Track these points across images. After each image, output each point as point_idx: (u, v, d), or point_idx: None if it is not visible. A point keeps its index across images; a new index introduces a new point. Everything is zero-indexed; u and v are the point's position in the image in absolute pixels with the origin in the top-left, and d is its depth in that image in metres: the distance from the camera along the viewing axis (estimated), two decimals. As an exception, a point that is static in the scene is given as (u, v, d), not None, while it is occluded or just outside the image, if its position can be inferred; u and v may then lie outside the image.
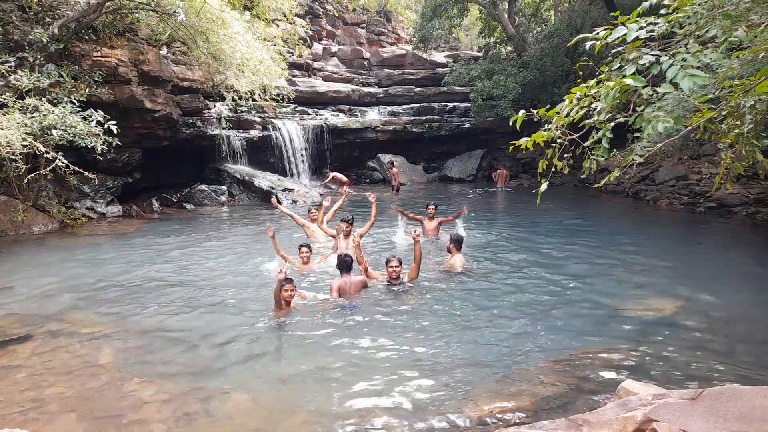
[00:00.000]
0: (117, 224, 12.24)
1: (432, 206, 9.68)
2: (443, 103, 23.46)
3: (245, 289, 6.98)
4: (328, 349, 5.01)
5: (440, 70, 24.49)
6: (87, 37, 11.86)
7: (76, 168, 9.64)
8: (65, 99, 9.99)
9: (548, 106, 4.01)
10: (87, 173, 9.88)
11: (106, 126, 9.81)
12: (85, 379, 4.53)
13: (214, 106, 16.85)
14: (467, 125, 22.39)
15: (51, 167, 9.55)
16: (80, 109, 9.88)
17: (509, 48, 23.30)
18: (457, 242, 7.61)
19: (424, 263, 7.30)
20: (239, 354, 4.98)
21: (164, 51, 14.92)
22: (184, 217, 13.32)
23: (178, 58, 15.35)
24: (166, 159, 15.78)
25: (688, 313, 5.91)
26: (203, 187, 15.38)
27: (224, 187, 15.72)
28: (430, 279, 7.14)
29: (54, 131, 9.20)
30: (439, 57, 25.98)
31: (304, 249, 7.68)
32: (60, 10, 11.10)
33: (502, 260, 8.30)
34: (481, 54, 25.68)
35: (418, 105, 23.30)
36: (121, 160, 13.59)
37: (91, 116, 9.85)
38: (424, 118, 22.57)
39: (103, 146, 9.82)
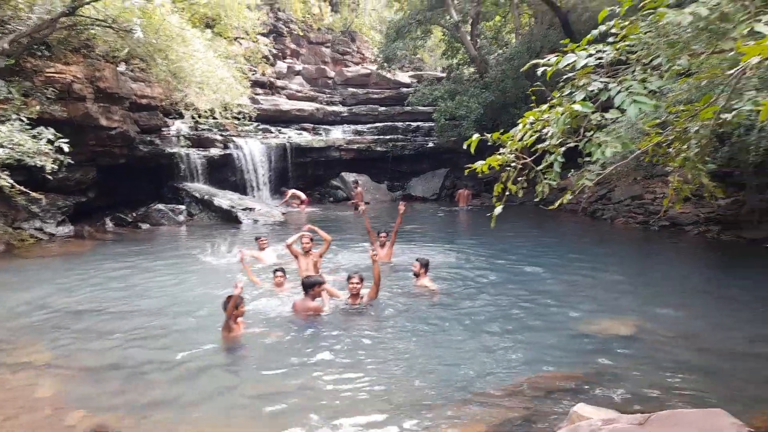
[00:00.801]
0: (67, 245, 11.77)
1: (383, 234, 9.39)
2: (407, 123, 23.67)
3: (198, 314, 6.76)
4: (281, 376, 4.87)
5: (404, 89, 24.75)
6: (40, 53, 11.49)
7: (21, 188, 9.23)
8: (13, 116, 9.60)
9: (502, 131, 4.04)
10: (33, 193, 9.47)
11: (57, 144, 9.46)
12: (22, 413, 4.26)
13: (174, 123, 16.54)
14: (431, 144, 22.62)
15: (-4, 187, 9.12)
16: (30, 127, 9.51)
17: (472, 69, 23.73)
18: (425, 265, 7.64)
19: (389, 285, 7.25)
20: (189, 383, 4.79)
21: (122, 67, 14.60)
22: (140, 238, 12.92)
23: (137, 75, 15.03)
24: (122, 177, 15.34)
25: (643, 333, 6.00)
26: (161, 206, 14.97)
27: (183, 207, 15.35)
28: (396, 301, 7.08)
29: (0, 150, 8.81)
30: (404, 77, 26.28)
31: (279, 273, 7.53)
32: (11, 24, 10.72)
33: (462, 281, 8.29)
34: (444, 75, 26.08)
35: (383, 124, 23.44)
36: (74, 178, 13.13)
37: (41, 134, 9.48)
38: (388, 137, 22.69)
39: (53, 165, 9.45)
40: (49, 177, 10.40)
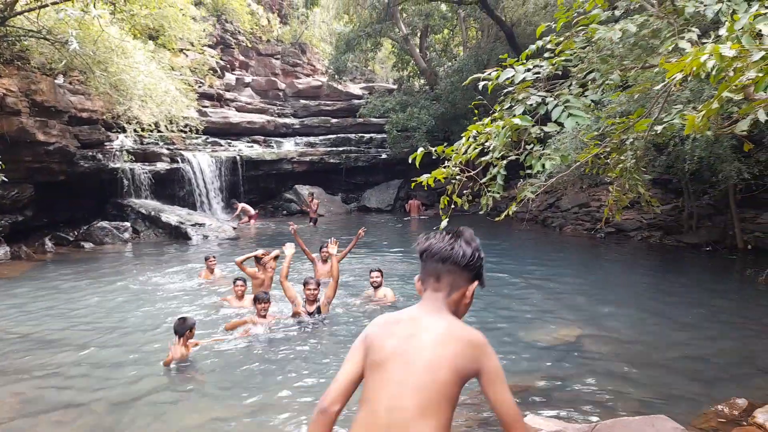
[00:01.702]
0: (2, 268, 11.10)
1: (326, 249, 8.48)
2: (360, 134, 23.70)
3: (144, 336, 6.48)
4: (231, 397, 4.70)
5: (356, 101, 24.78)
6: (-32, 65, 10.90)
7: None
8: (-62, 132, 9.04)
9: (446, 144, 4.05)
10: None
11: (-12, 161, 8.96)
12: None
13: (117, 137, 15.96)
14: (384, 156, 22.72)
15: None
16: (-44, 143, 8.98)
17: (422, 81, 24.04)
18: (381, 274, 7.64)
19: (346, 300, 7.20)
20: (130, 411, 4.53)
21: (60, 80, 14.01)
22: (82, 258, 12.34)
23: (76, 88, 14.44)
24: (62, 194, 14.66)
25: (590, 340, 6.12)
26: (104, 223, 14.34)
27: (128, 224, 14.77)
28: (353, 312, 7.01)
29: None
30: (355, 89, 26.33)
31: (239, 283, 7.38)
32: (-66, 35, 10.15)
33: (411, 291, 8.28)
34: (395, 86, 26.30)
35: (335, 136, 23.39)
36: (9, 196, 12.45)
37: (-31, 151, 8.97)
38: (341, 149, 22.66)
39: (-18, 183, 8.94)
40: (-21, 196, 9.86)
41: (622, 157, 4.42)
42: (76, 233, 14.19)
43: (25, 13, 10.23)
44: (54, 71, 13.01)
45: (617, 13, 3.64)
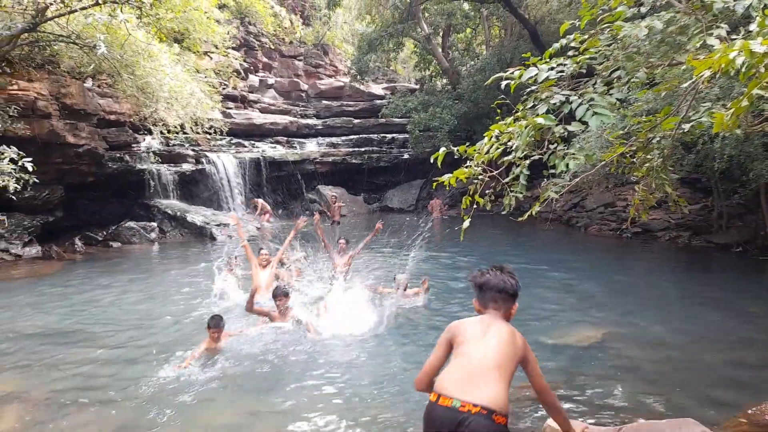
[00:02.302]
0: (34, 267, 11.42)
1: (343, 240, 8.95)
2: (382, 135, 23.72)
3: (169, 334, 6.59)
4: (264, 393, 4.75)
5: (378, 101, 24.82)
6: (1, 70, 11.22)
7: (-18, 210, 8.95)
8: (-27, 135, 9.33)
9: (468, 143, 4.03)
10: (-6, 214, 9.18)
11: (21, 163, 9.18)
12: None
13: (144, 139, 16.27)
14: (406, 156, 22.69)
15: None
16: (-9, 146, 9.23)
17: (444, 80, 23.94)
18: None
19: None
20: (159, 407, 4.61)
21: (89, 83, 14.34)
22: (110, 257, 12.62)
23: (105, 91, 14.78)
24: (91, 195, 15.01)
25: (616, 341, 6.02)
26: (131, 224, 14.66)
27: (154, 224, 15.06)
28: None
29: (-41, 170, 8.53)
30: (377, 89, 26.37)
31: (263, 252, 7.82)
32: (-30, 41, 10.46)
33: (437, 290, 8.26)
34: (417, 86, 26.25)
35: (357, 136, 23.45)
36: (40, 197, 12.80)
37: (3, 153, 9.20)
38: (363, 149, 22.71)
39: (16, 185, 9.16)
40: (13, 197, 10.13)
41: (649, 156, 4.33)
42: (104, 233, 14.51)
43: (56, 19, 10.47)
44: (83, 75, 13.34)
45: (643, 10, 3.58)
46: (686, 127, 3.25)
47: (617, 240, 13.24)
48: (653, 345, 5.95)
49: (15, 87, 11.34)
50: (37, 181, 9.78)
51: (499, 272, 2.75)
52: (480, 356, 2.50)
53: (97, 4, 9.89)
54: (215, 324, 5.68)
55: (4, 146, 9.38)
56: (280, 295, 6.28)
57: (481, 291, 2.75)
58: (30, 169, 9.21)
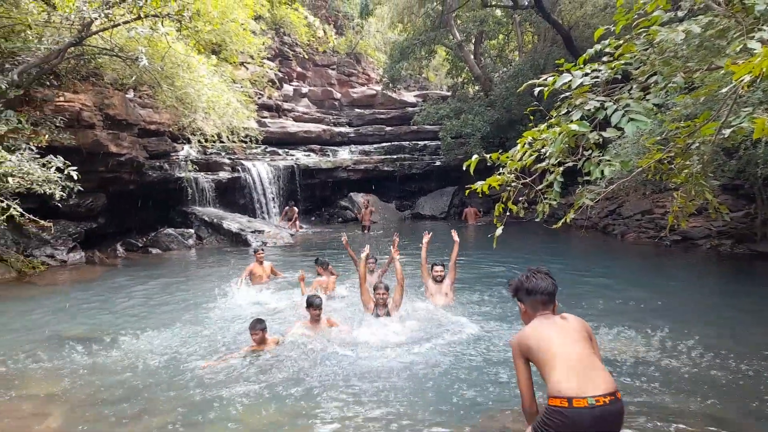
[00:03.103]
0: (78, 272, 11.84)
1: (372, 260, 8.69)
2: (414, 142, 23.78)
3: (211, 337, 6.74)
4: (305, 397, 4.81)
5: (410, 109, 24.90)
6: (49, 83, 11.72)
7: (31, 216, 9.34)
8: (24, 146, 9.75)
9: (501, 151, 4.02)
10: (42, 221, 9.56)
11: (66, 172, 9.57)
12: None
13: (182, 148, 16.73)
14: (438, 163, 22.67)
15: (6, 216, 9.23)
16: (39, 156, 9.65)
17: (477, 87, 23.85)
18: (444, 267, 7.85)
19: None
20: (201, 409, 4.72)
21: (131, 94, 14.84)
22: (150, 263, 12.98)
23: (145, 102, 15.27)
24: (132, 203, 15.49)
25: (657, 352, 5.86)
26: (170, 230, 15.06)
27: (192, 231, 15.42)
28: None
29: (10, 179, 8.93)
30: (409, 96, 26.46)
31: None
32: (20, 56, 10.97)
33: (471, 300, 8.21)
34: (449, 93, 26.23)
35: (389, 144, 23.57)
36: (84, 205, 13.27)
37: (50, 162, 9.62)
38: (395, 156, 22.80)
39: (62, 193, 9.56)
40: (58, 204, 10.55)
41: (688, 162, 4.24)
42: (144, 239, 14.94)
43: (100, 33, 10.91)
44: (125, 86, 13.82)
45: (680, 14, 3.52)
46: (726, 132, 3.18)
47: (656, 248, 12.90)
48: (694, 356, 5.76)
49: (61, 99, 11.81)
50: (81, 189, 10.17)
51: (543, 275, 2.99)
52: (576, 351, 2.70)
53: (139, 18, 10.25)
54: (254, 327, 5.84)
55: (51, 155, 9.81)
56: (314, 304, 6.43)
57: (530, 295, 2.96)
58: (75, 177, 9.60)
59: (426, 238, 7.78)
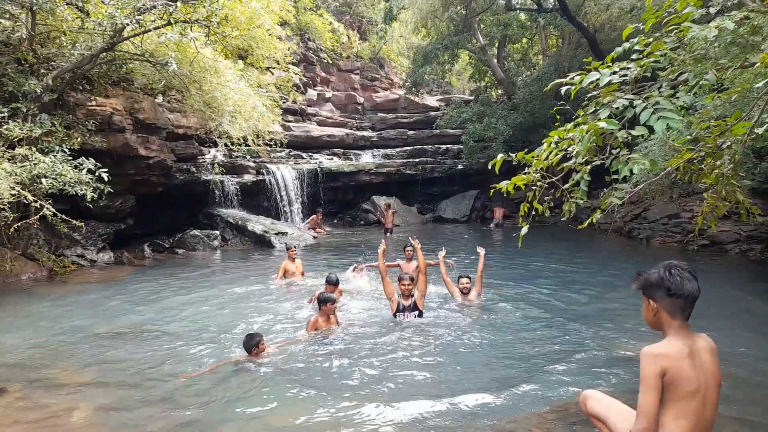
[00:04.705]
0: (107, 271, 12.11)
1: (409, 248, 9.29)
2: (436, 146, 23.78)
3: (235, 336, 6.83)
4: (318, 399, 4.86)
5: (433, 113, 24.93)
6: (81, 87, 12.04)
7: (63, 216, 9.60)
8: (57, 148, 10.04)
9: (525, 150, 4.02)
10: (74, 221, 9.82)
11: (97, 174, 9.82)
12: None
13: (209, 151, 17.02)
14: (460, 167, 22.63)
15: (39, 216, 9.51)
16: (71, 158, 9.92)
17: (500, 91, 23.77)
18: (470, 281, 7.95)
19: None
20: (226, 406, 4.80)
21: (159, 99, 15.16)
22: (176, 263, 13.21)
23: (173, 106, 15.57)
24: (159, 205, 15.78)
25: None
26: (195, 232, 15.32)
27: (217, 232, 15.66)
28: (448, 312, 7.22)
29: (44, 180, 9.20)
30: (432, 101, 26.48)
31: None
32: (55, 61, 11.30)
33: (495, 302, 8.18)
34: (472, 97, 26.17)
35: (412, 147, 23.61)
36: (114, 206, 13.57)
37: (82, 164, 9.88)
38: (417, 160, 22.82)
39: (93, 194, 9.80)
40: (90, 206, 10.82)
41: (718, 163, 4.19)
42: (171, 240, 15.21)
43: (131, 39, 11.18)
44: (154, 91, 14.13)
45: (712, 11, 3.49)
46: (759, 130, 3.13)
47: (683, 252, 12.66)
48: (724, 362, 5.64)
49: (93, 103, 12.12)
50: (111, 190, 10.40)
51: (689, 275, 2.54)
52: (711, 415, 2.45)
53: (169, 24, 10.48)
54: (248, 344, 5.86)
55: (83, 158, 10.07)
56: (326, 300, 6.66)
57: (671, 297, 2.52)
58: (106, 179, 9.85)
59: (442, 254, 8.05)
